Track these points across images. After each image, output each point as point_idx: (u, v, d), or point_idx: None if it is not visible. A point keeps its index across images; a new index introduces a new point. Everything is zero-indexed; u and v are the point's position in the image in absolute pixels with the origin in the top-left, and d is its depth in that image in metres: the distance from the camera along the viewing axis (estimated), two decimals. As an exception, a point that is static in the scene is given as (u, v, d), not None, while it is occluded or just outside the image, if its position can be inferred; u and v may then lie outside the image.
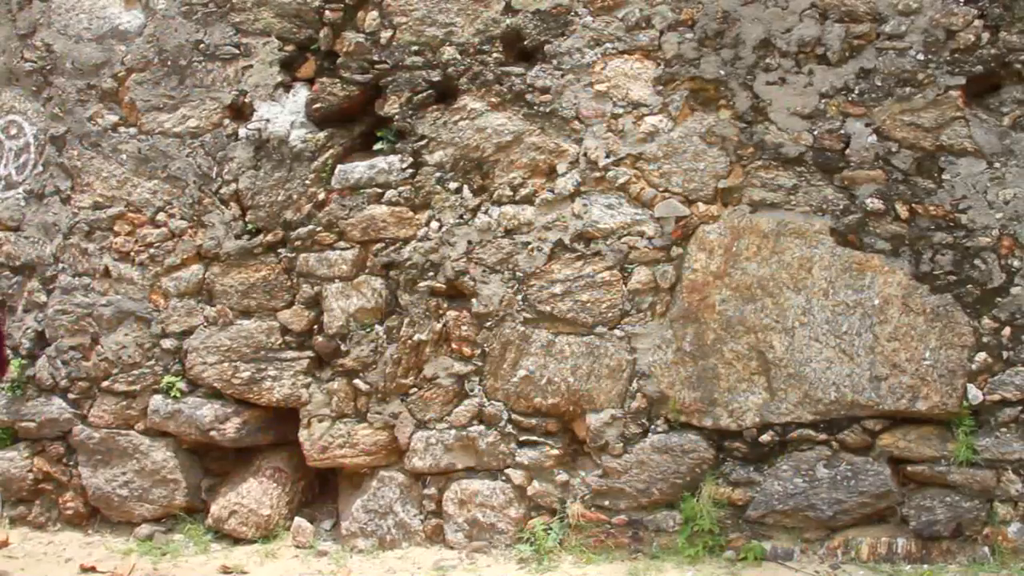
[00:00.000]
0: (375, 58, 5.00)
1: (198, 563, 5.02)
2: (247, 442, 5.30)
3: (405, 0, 4.95)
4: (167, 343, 5.31)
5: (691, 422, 4.69)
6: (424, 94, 4.93)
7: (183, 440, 5.35)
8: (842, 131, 4.51)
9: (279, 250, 5.15)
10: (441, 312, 4.92)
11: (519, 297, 4.83)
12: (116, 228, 5.37)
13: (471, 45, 4.88)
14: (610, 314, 4.75)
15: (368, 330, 5.02)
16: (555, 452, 4.83)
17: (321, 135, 5.10)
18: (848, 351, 4.51)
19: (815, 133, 4.54)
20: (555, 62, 4.78)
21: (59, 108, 5.47)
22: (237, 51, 5.21)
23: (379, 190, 5.00)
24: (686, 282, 4.67)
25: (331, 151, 5.10)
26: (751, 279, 4.60)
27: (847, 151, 4.51)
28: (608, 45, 4.73)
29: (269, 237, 5.15)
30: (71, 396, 5.47)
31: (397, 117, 4.98)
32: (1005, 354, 4.41)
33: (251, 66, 5.19)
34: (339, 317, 5.04)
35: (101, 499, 5.43)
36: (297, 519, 5.19)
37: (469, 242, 4.88)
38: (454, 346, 4.92)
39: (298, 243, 5.11)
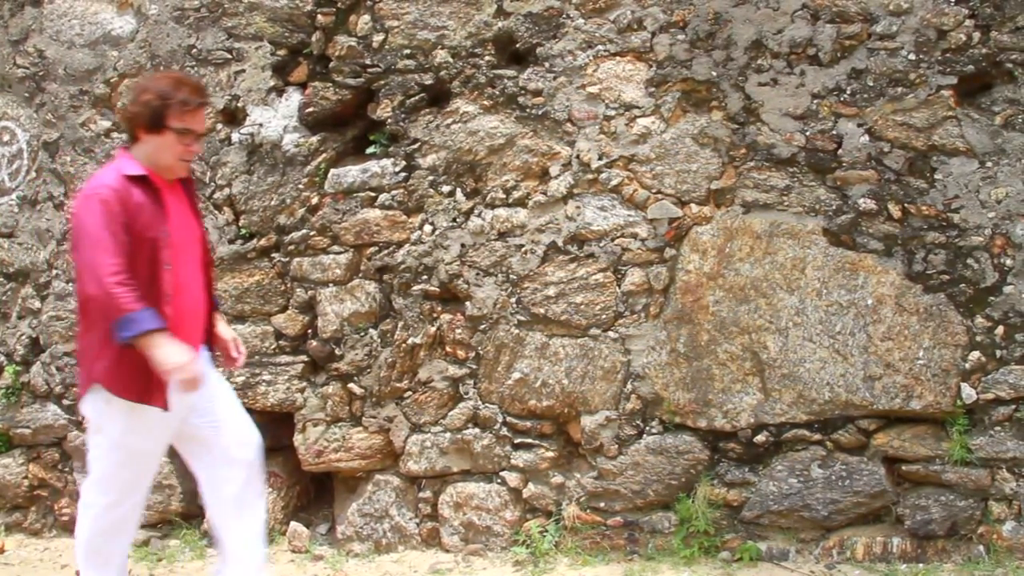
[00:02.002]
0: (367, 62, 5.00)
1: (194, 568, 5.02)
2: (242, 447, 5.29)
3: (397, 4, 4.95)
4: (161, 348, 5.30)
5: (686, 423, 4.70)
6: (416, 97, 4.94)
7: (178, 445, 5.35)
8: (834, 132, 4.52)
9: (273, 255, 5.15)
10: (435, 315, 4.93)
11: (513, 300, 4.83)
12: (110, 234, 5.36)
13: (463, 48, 4.89)
14: (604, 316, 4.75)
15: (362, 334, 5.02)
16: (550, 454, 4.83)
17: (314, 139, 5.10)
18: (842, 351, 4.52)
19: (807, 134, 4.55)
20: (547, 64, 4.79)
21: (52, 114, 5.47)
22: (229, 56, 5.21)
23: (372, 194, 5.00)
24: (680, 283, 4.67)
25: (324, 155, 5.10)
26: (744, 280, 4.61)
27: (839, 151, 4.52)
28: (600, 47, 4.74)
29: (263, 242, 5.15)
30: (66, 402, 5.46)
31: (390, 121, 4.98)
32: (999, 353, 4.42)
33: (243, 71, 5.19)
34: (333, 321, 5.04)
35: (97, 505, 5.43)
36: (293, 523, 5.18)
37: (462, 245, 4.89)
38: (448, 349, 4.92)
39: (292, 247, 5.10)
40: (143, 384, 3.69)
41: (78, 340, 3.91)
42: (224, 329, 4.16)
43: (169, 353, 3.59)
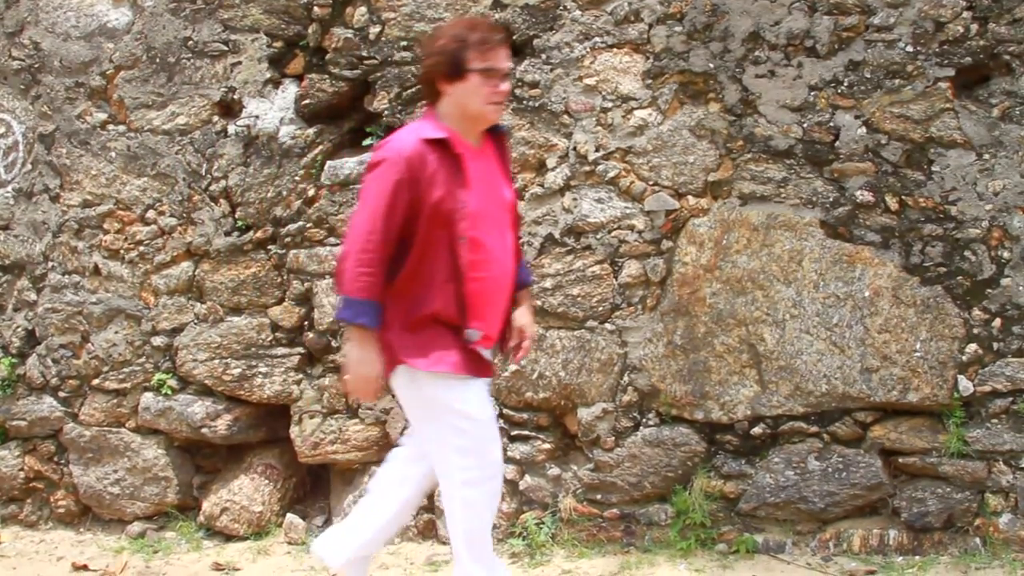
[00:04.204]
0: (364, 54, 4.99)
1: (190, 560, 5.02)
2: (238, 439, 5.29)
3: (394, -5, 4.95)
4: (157, 340, 5.29)
5: (682, 415, 4.69)
6: (413, 89, 4.92)
7: (174, 437, 5.34)
8: (831, 124, 4.52)
9: (269, 247, 5.14)
10: (432, 307, 4.91)
11: (510, 292, 4.82)
12: (106, 226, 5.36)
13: (460, 40, 4.87)
14: (601, 308, 4.74)
15: (359, 326, 5.00)
16: (547, 446, 4.83)
17: (310, 131, 5.09)
18: (839, 343, 4.51)
19: (804, 126, 4.54)
20: (544, 56, 4.78)
21: (48, 106, 5.46)
22: (226, 48, 5.20)
23: (369, 186, 4.99)
24: (676, 275, 4.67)
25: (320, 147, 5.09)
26: (741, 272, 4.60)
27: (837, 143, 4.51)
28: (597, 39, 4.73)
29: (259, 234, 5.14)
30: (62, 394, 5.46)
31: (386, 113, 4.97)
32: (995, 345, 4.41)
33: (240, 63, 5.18)
34: (329, 313, 5.03)
35: (92, 497, 5.42)
36: (289, 516, 5.18)
37: (459, 237, 4.87)
38: (445, 341, 4.91)
39: (288, 239, 5.10)
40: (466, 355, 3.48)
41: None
42: (520, 314, 3.78)
43: (363, 359, 3.41)
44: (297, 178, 5.09)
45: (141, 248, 5.30)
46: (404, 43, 4.93)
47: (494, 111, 3.54)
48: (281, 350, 5.14)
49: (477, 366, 3.51)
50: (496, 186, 3.61)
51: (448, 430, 3.49)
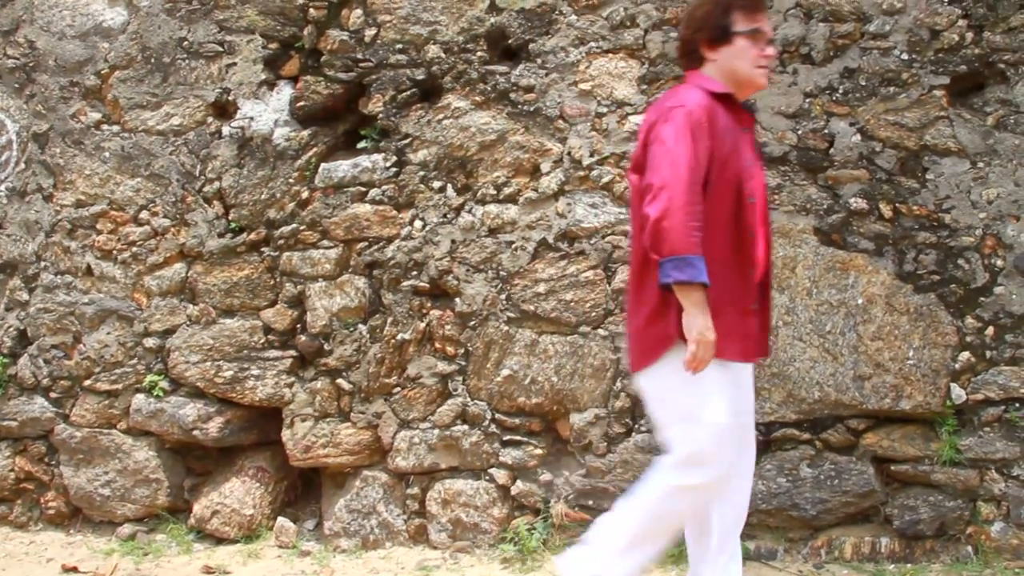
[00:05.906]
0: (359, 56, 4.98)
1: (181, 563, 5.00)
2: (230, 441, 5.27)
3: (389, -2, 4.94)
4: (150, 342, 5.28)
5: (675, 422, 4.68)
6: (408, 92, 4.92)
7: (166, 439, 5.32)
8: (826, 130, 4.52)
9: (262, 249, 5.13)
10: (424, 311, 4.91)
11: (503, 296, 4.82)
12: (99, 226, 5.35)
13: (455, 44, 4.87)
14: (594, 313, 4.74)
15: (351, 329, 5.00)
16: (539, 452, 4.82)
17: (305, 133, 5.08)
18: (832, 350, 4.51)
19: (799, 132, 4.54)
20: (539, 61, 4.77)
21: (42, 105, 5.45)
22: (221, 49, 5.19)
23: (363, 189, 4.99)
24: (670, 281, 4.65)
25: (315, 149, 5.08)
26: (735, 278, 4.60)
27: (831, 151, 4.51)
28: (592, 44, 4.72)
29: (252, 236, 5.13)
30: (53, 395, 5.43)
31: (381, 116, 4.96)
32: (988, 353, 4.41)
33: (235, 64, 5.17)
34: (322, 316, 5.02)
35: (83, 499, 5.40)
36: (280, 519, 5.16)
37: (453, 241, 4.87)
38: (437, 345, 4.91)
39: (281, 242, 5.09)
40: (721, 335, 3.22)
41: (644, 297, 3.35)
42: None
43: (704, 321, 3.14)
44: (291, 180, 5.08)
45: (134, 249, 5.29)
46: (399, 46, 4.92)
47: (762, 75, 3.40)
48: (273, 353, 5.13)
49: (754, 348, 3.32)
50: (756, 155, 3.48)
51: (687, 424, 3.31)
